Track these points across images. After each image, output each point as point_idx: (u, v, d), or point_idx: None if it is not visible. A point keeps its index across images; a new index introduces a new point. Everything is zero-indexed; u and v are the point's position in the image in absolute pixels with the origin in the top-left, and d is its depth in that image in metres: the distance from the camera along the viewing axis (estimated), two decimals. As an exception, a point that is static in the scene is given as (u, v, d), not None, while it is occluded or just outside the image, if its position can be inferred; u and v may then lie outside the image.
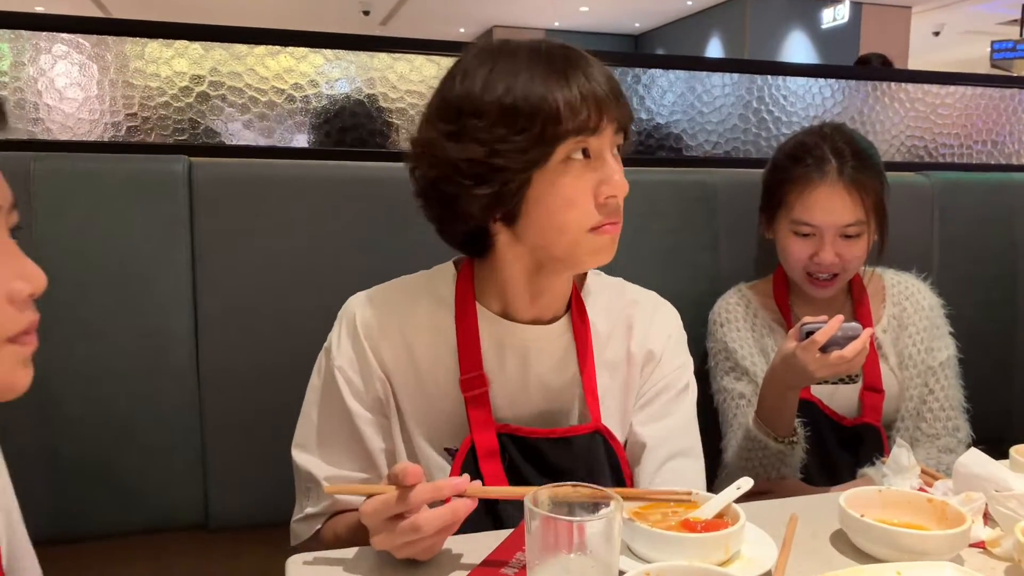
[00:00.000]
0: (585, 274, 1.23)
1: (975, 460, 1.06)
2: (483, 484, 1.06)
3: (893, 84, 2.18)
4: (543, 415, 1.14)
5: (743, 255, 1.80)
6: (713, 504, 0.94)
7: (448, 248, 1.19)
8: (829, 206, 1.52)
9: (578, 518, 0.76)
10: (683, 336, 1.25)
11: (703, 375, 1.70)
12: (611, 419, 1.17)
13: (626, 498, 0.87)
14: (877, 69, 3.23)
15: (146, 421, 1.46)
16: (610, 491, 0.80)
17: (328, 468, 1.11)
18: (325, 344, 1.15)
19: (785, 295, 1.66)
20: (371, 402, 1.12)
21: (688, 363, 1.24)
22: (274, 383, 1.48)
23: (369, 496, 0.89)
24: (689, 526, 0.91)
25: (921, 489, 1.09)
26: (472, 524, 0.93)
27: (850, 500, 0.98)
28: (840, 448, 1.58)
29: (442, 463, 1.13)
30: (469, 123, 1.00)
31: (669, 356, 1.21)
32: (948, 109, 2.21)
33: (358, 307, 1.14)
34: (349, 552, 0.96)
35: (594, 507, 0.80)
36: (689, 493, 0.95)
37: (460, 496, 0.88)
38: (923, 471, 1.16)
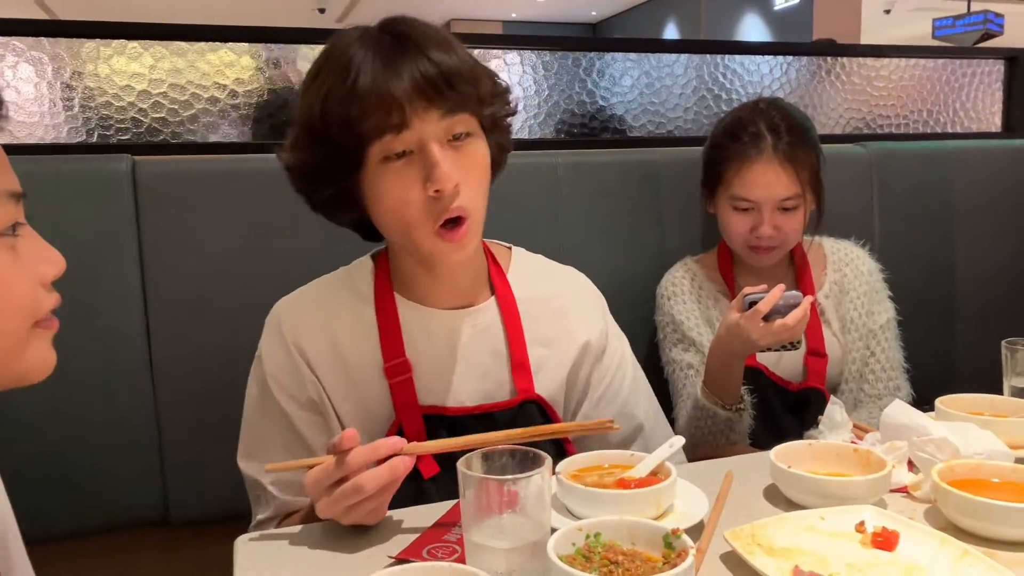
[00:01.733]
0: (509, 249, 1.27)
1: (900, 411, 1.10)
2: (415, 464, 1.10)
3: (839, 60, 2.24)
4: (480, 394, 1.16)
5: (688, 231, 1.84)
6: (647, 463, 0.98)
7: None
8: (765, 181, 1.56)
9: (508, 477, 0.79)
10: (607, 313, 1.30)
11: (652, 348, 1.74)
12: (546, 389, 1.20)
13: (550, 433, 0.91)
14: (819, 44, 3.29)
15: (101, 420, 1.46)
16: (531, 436, 0.83)
17: (272, 477, 1.13)
18: (257, 352, 1.17)
19: (729, 267, 1.71)
20: (305, 402, 1.14)
21: (621, 337, 1.30)
22: (228, 376, 1.48)
23: (310, 468, 0.91)
24: (623, 484, 0.94)
25: (853, 442, 1.14)
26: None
27: (779, 454, 1.03)
28: (787, 412, 1.63)
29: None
30: (296, 131, 1.06)
31: (612, 334, 1.27)
32: (884, 81, 2.27)
33: (283, 313, 1.17)
34: (294, 529, 0.98)
35: (525, 467, 0.83)
36: (610, 421, 1.01)
37: (397, 455, 0.91)
38: (855, 425, 1.20)
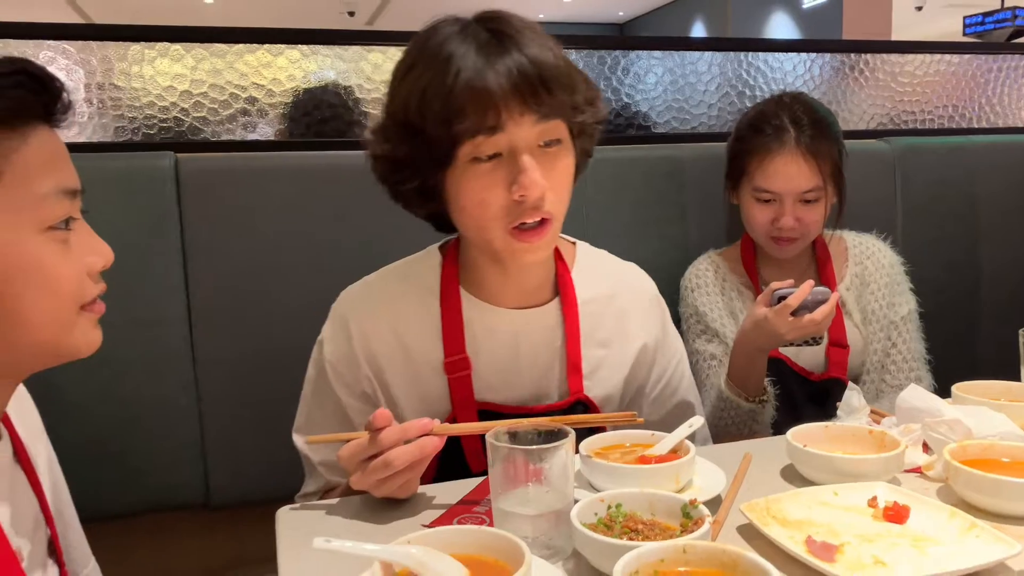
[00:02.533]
0: (574, 245, 1.29)
1: (915, 395, 1.13)
2: (464, 456, 1.16)
3: (862, 57, 2.25)
4: (536, 395, 1.20)
5: (712, 224, 1.87)
6: (667, 442, 1.02)
7: (426, 232, 1.26)
8: (788, 173, 1.59)
9: (534, 447, 0.84)
10: (666, 313, 1.33)
11: (676, 339, 1.78)
12: (603, 389, 1.23)
13: (577, 423, 0.95)
14: (843, 42, 3.29)
15: (145, 405, 1.53)
16: (561, 423, 0.88)
17: (322, 452, 1.18)
18: (319, 336, 1.22)
19: (752, 259, 1.74)
20: (359, 394, 1.18)
21: (677, 337, 1.34)
22: (267, 363, 1.56)
23: (347, 442, 0.97)
24: (644, 461, 0.99)
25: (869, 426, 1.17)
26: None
27: (796, 435, 1.06)
28: (808, 402, 1.66)
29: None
30: (388, 122, 1.07)
31: (668, 348, 1.31)
32: (909, 77, 2.28)
33: (349, 303, 1.20)
34: (332, 501, 1.04)
35: (550, 442, 0.87)
36: (633, 414, 1.06)
37: (427, 435, 0.96)
38: (873, 411, 1.23)
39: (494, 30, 1.03)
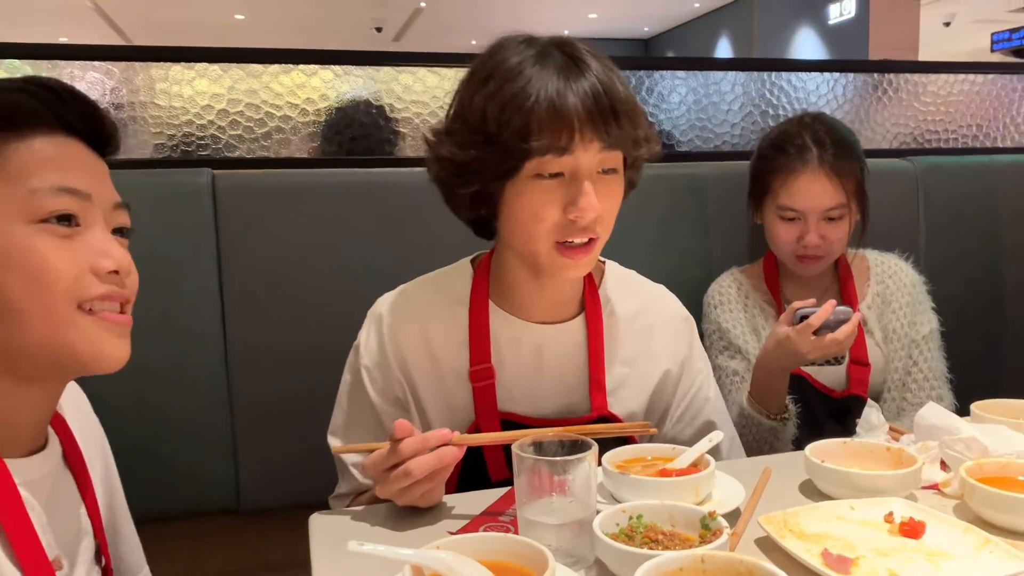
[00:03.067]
0: (603, 264, 1.32)
1: (933, 413, 1.15)
2: (486, 466, 1.19)
3: (885, 76, 2.28)
4: (560, 409, 1.23)
5: (735, 242, 1.90)
6: (687, 455, 1.05)
7: (450, 247, 1.30)
8: (811, 192, 1.62)
9: (559, 459, 0.88)
10: (694, 336, 1.34)
11: (699, 355, 1.80)
12: (626, 408, 1.26)
13: (594, 433, 0.97)
14: (866, 62, 3.31)
15: (179, 412, 1.58)
16: (577, 433, 0.92)
17: (355, 455, 1.22)
18: (355, 342, 1.26)
19: (775, 277, 1.76)
20: (391, 399, 1.22)
21: (704, 359, 1.35)
22: (296, 372, 1.61)
23: (371, 452, 1.01)
24: (665, 474, 1.02)
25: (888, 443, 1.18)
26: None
27: (815, 450, 1.08)
28: (829, 419, 1.67)
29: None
30: (458, 126, 1.10)
31: (692, 369, 1.32)
32: (932, 97, 2.29)
33: (383, 311, 1.24)
34: (361, 508, 1.08)
35: (573, 453, 0.90)
36: (646, 424, 1.11)
37: (447, 445, 1.00)
38: (891, 428, 1.25)
39: (570, 54, 1.07)
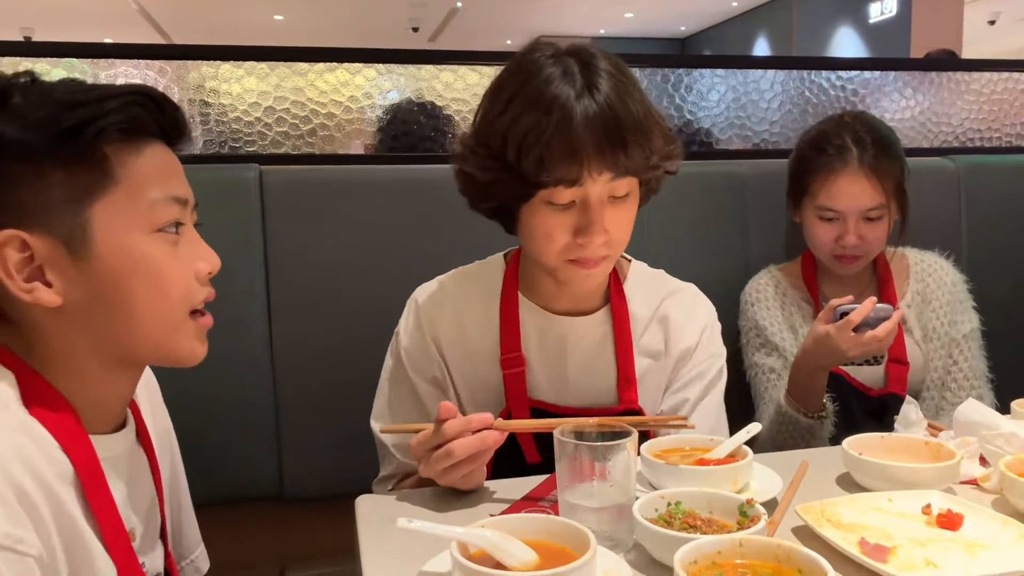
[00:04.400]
0: (629, 262, 1.35)
1: (973, 408, 1.16)
2: (521, 449, 1.23)
3: (927, 75, 2.26)
4: (585, 399, 1.26)
5: (773, 240, 1.90)
6: (725, 446, 1.06)
7: (491, 242, 1.33)
8: (851, 192, 1.62)
9: (600, 444, 0.90)
10: (717, 327, 1.34)
11: (736, 353, 1.81)
12: (647, 400, 1.29)
13: (633, 424, 0.98)
14: (907, 60, 3.28)
15: (225, 401, 1.63)
16: (623, 423, 0.94)
17: (397, 436, 1.26)
18: (396, 328, 1.32)
19: (813, 275, 1.76)
20: (431, 379, 1.27)
21: (721, 352, 1.33)
22: (340, 363, 1.65)
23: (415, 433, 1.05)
24: (703, 463, 1.03)
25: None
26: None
27: (852, 443, 1.09)
28: (867, 418, 1.67)
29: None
30: (481, 150, 1.13)
31: (703, 347, 1.31)
32: (975, 95, 2.27)
33: (421, 299, 1.30)
34: (405, 492, 1.11)
35: (614, 441, 0.93)
36: (683, 418, 1.11)
37: (488, 429, 1.03)
38: (930, 424, 1.25)
39: (590, 83, 1.07)
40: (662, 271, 1.37)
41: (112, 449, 0.88)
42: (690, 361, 1.30)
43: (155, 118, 0.85)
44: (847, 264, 1.67)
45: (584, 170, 1.06)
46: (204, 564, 1.15)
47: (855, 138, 1.63)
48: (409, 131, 1.90)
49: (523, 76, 1.10)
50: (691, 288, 1.36)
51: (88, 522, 0.81)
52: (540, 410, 1.24)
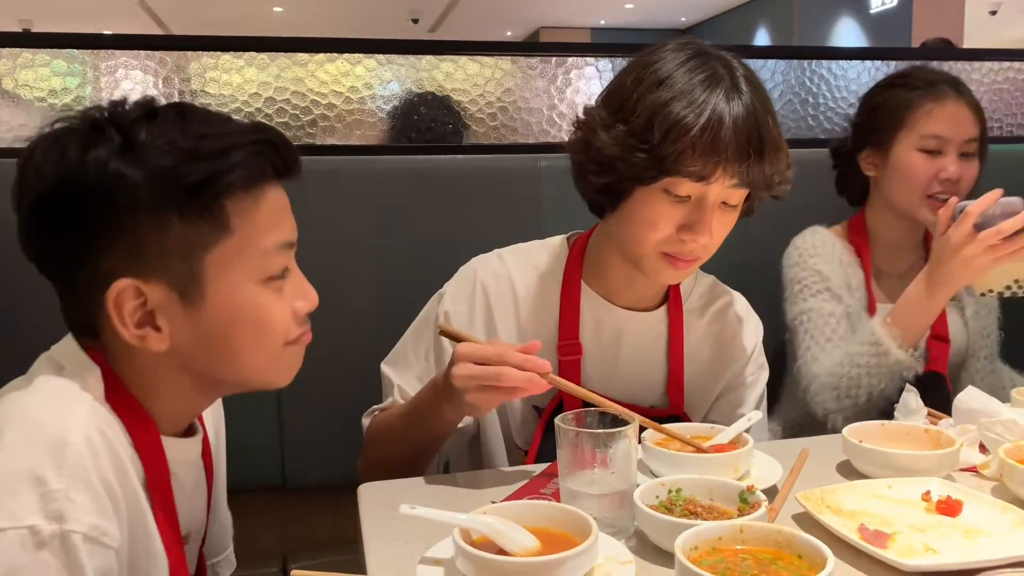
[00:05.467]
0: None
1: (973, 396, 1.16)
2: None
3: (928, 64, 2.25)
4: (631, 395, 1.26)
5: (772, 227, 1.88)
6: (726, 433, 1.07)
7: (487, 230, 1.33)
8: (957, 118, 1.58)
9: (600, 431, 0.90)
10: (762, 347, 1.36)
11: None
12: (691, 404, 1.30)
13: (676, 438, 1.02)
14: (909, 49, 3.26)
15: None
16: (628, 413, 0.94)
17: (399, 377, 1.26)
18: (440, 291, 1.30)
19: (864, 241, 1.70)
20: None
21: (766, 365, 1.36)
22: (341, 352, 1.65)
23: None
24: (704, 451, 1.04)
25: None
26: None
27: (852, 431, 1.10)
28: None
29: (528, 417, 1.27)
30: (618, 123, 1.12)
31: (754, 359, 1.34)
32: (976, 85, 2.26)
33: (482, 269, 1.28)
34: (406, 481, 1.12)
35: (615, 428, 0.93)
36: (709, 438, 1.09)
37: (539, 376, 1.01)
38: (930, 412, 1.25)
39: (737, 88, 1.09)
40: (713, 277, 1.38)
41: (181, 454, 0.90)
42: (742, 372, 1.32)
43: (273, 163, 0.85)
44: (936, 208, 1.51)
45: (719, 170, 1.07)
46: (227, 570, 1.16)
47: (945, 79, 1.63)
48: (409, 122, 1.90)
49: (676, 62, 1.11)
50: (742, 299, 1.37)
51: (151, 518, 0.83)
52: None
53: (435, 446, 1.21)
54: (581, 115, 1.19)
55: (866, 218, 1.71)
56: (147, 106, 0.82)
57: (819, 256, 1.65)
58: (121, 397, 0.83)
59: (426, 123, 1.91)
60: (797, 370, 1.60)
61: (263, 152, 0.83)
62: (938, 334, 1.62)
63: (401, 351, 1.30)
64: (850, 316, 1.58)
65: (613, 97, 1.15)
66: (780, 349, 1.71)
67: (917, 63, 1.70)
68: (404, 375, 1.27)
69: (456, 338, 1.08)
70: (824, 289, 1.62)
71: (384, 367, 1.30)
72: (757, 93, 1.11)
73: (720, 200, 1.12)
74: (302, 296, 0.90)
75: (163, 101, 0.87)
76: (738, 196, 1.13)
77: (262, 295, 0.85)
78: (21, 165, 0.81)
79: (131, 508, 0.79)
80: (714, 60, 1.12)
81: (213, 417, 1.05)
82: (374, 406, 1.32)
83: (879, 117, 1.66)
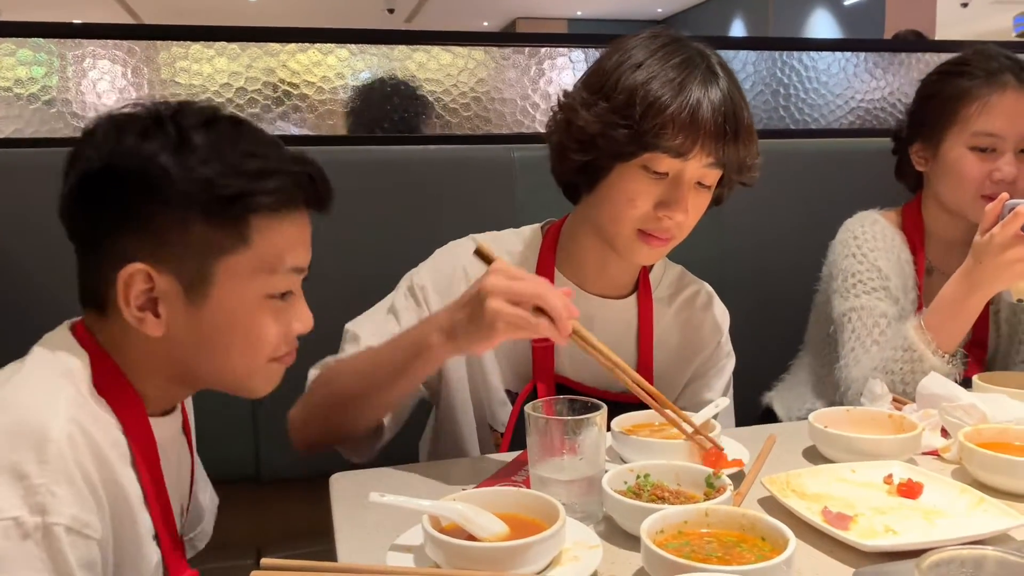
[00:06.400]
0: None
1: (935, 382, 1.18)
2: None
3: (898, 56, 2.28)
4: (599, 378, 1.26)
5: (749, 222, 1.91)
6: (694, 419, 1.08)
7: (466, 223, 1.33)
8: (1016, 112, 1.46)
9: (569, 418, 0.91)
10: (728, 336, 1.37)
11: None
12: (665, 393, 1.29)
13: (673, 412, 1.03)
14: (879, 41, 3.30)
15: (202, 383, 1.63)
16: (596, 401, 0.95)
17: (368, 332, 1.22)
18: (410, 273, 1.28)
19: (920, 234, 1.58)
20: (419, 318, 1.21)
21: (733, 353, 1.37)
22: (316, 343, 1.63)
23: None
24: (672, 438, 1.05)
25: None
26: None
27: (818, 417, 1.12)
28: None
29: (503, 400, 1.27)
30: (600, 101, 1.14)
31: (721, 346, 1.35)
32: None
33: (461, 253, 1.27)
34: (378, 471, 1.13)
35: (584, 414, 0.94)
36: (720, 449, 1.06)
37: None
38: (895, 399, 1.28)
39: (712, 70, 1.13)
40: (682, 267, 1.39)
41: (163, 431, 0.92)
42: (709, 360, 1.34)
43: (307, 194, 0.90)
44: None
45: (697, 146, 1.10)
46: (202, 542, 1.18)
47: (1005, 66, 1.49)
48: (382, 112, 1.89)
49: (656, 45, 1.14)
50: (709, 288, 1.39)
51: (142, 504, 0.86)
52: (563, 386, 1.26)
53: (390, 394, 1.14)
54: (561, 98, 1.21)
55: (921, 210, 1.60)
56: (209, 112, 0.86)
57: (880, 251, 1.54)
58: (111, 378, 0.86)
59: (399, 113, 1.90)
60: (838, 370, 1.51)
61: (299, 183, 0.88)
62: (979, 339, 1.54)
63: (367, 317, 1.28)
64: (902, 318, 1.46)
65: (593, 79, 1.18)
66: (753, 336, 1.70)
67: (977, 46, 1.56)
68: (372, 331, 1.23)
69: (489, 259, 1.05)
70: (881, 287, 1.52)
71: (348, 324, 1.27)
72: (731, 78, 1.15)
73: (696, 179, 1.14)
74: (299, 319, 0.93)
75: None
76: (712, 177, 1.16)
77: (262, 309, 0.88)
78: (81, 138, 0.87)
79: (114, 499, 0.82)
80: (688, 47, 1.15)
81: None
82: (328, 357, 1.27)
83: (930, 109, 1.55)
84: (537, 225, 1.35)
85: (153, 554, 0.88)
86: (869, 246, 1.54)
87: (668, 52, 1.14)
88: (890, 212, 1.63)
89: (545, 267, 1.28)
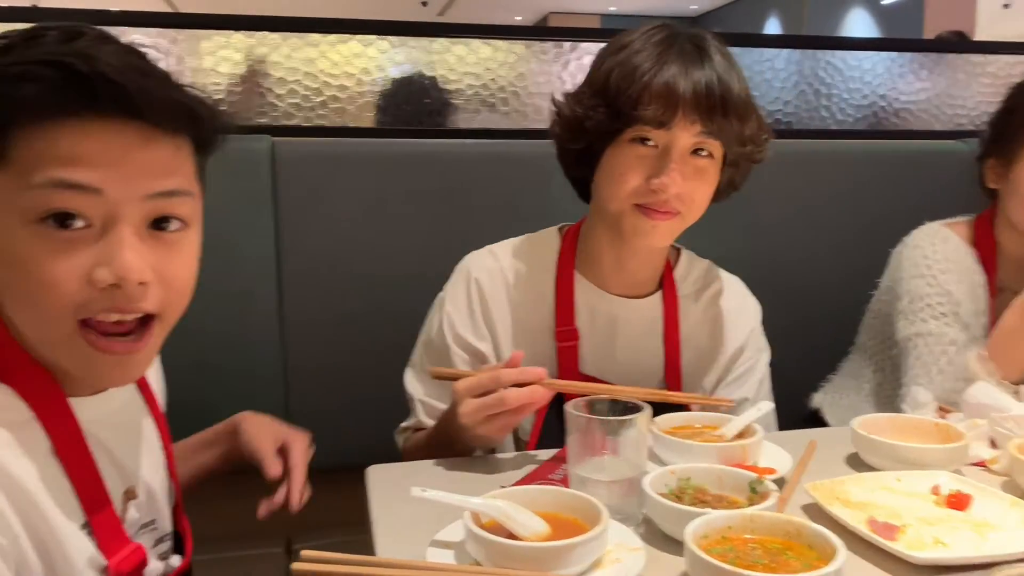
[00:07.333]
0: (678, 252, 1.35)
1: (982, 391, 1.16)
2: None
3: (943, 56, 2.24)
4: (625, 379, 1.25)
5: (779, 223, 1.89)
6: (736, 423, 1.07)
7: (502, 217, 1.33)
8: None
9: (611, 418, 0.90)
10: (761, 329, 1.35)
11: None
12: (689, 390, 1.30)
13: (674, 400, 1.06)
14: (924, 41, 3.24)
15: (235, 372, 1.63)
16: (639, 399, 0.94)
17: (421, 392, 1.27)
18: (441, 294, 1.31)
19: (992, 253, 1.49)
20: (470, 351, 1.26)
21: (767, 348, 1.35)
22: (350, 335, 1.66)
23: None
24: (713, 441, 1.04)
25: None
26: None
27: (862, 424, 1.10)
28: None
29: None
30: (584, 88, 1.19)
31: (753, 343, 1.33)
32: (991, 78, 2.25)
33: (475, 268, 1.29)
34: (414, 464, 1.13)
35: (626, 415, 0.93)
36: (731, 401, 1.16)
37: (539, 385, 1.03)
38: (939, 407, 1.25)
39: (697, 45, 1.15)
40: (710, 261, 1.38)
41: (94, 411, 0.82)
42: (740, 355, 1.32)
43: (70, 94, 0.71)
44: None
45: (678, 114, 1.10)
46: None
47: None
48: (421, 104, 1.89)
49: (637, 34, 1.17)
50: (739, 282, 1.37)
51: (60, 496, 0.76)
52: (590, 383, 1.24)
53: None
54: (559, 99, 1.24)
55: (993, 226, 1.51)
56: (69, 29, 0.74)
57: (951, 273, 1.46)
58: (14, 363, 0.76)
59: (438, 106, 1.90)
60: (901, 397, 1.43)
61: (72, 83, 0.70)
62: None
63: (417, 362, 1.30)
64: (972, 344, 1.41)
65: (588, 73, 1.22)
66: (787, 329, 1.66)
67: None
68: (424, 388, 1.27)
69: (450, 378, 1.10)
70: (951, 312, 1.44)
71: (407, 378, 1.30)
72: (724, 55, 1.15)
73: (689, 149, 1.13)
74: (106, 262, 0.72)
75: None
76: (710, 146, 1.14)
77: (34, 241, 0.71)
78: None
79: (20, 505, 0.72)
80: (676, 30, 1.17)
81: (156, 382, 1.00)
82: (402, 424, 1.32)
83: (1007, 123, 1.46)
84: (555, 228, 1.35)
85: (84, 548, 0.77)
86: (940, 267, 1.47)
87: (652, 33, 1.16)
88: (960, 224, 1.54)
89: (565, 269, 1.28)
